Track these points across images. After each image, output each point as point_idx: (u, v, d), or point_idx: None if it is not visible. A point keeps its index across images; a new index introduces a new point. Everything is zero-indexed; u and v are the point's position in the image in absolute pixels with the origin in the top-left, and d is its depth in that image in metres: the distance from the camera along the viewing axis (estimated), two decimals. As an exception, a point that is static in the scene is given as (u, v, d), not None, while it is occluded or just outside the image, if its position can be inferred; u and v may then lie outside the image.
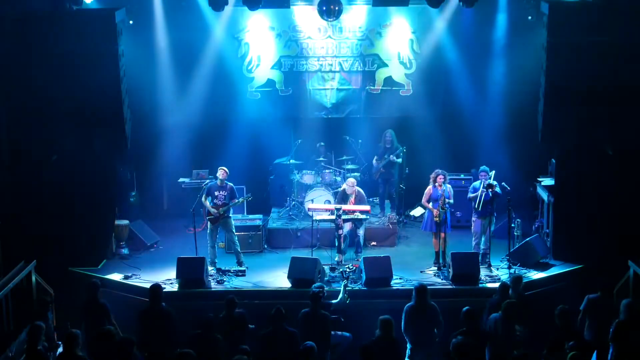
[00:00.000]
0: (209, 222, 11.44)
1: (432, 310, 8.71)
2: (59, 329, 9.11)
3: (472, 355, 7.21)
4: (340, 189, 11.98)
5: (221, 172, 11.39)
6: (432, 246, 11.47)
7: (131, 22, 12.77)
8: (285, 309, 8.24)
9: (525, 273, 10.98)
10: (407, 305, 8.72)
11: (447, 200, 11.09)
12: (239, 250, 11.55)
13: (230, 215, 11.54)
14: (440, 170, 11.28)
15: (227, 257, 11.84)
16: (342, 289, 9.62)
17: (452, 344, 7.24)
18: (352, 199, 11.66)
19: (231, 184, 11.48)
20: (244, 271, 11.24)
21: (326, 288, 9.51)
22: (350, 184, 11.72)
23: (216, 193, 11.36)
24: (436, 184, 11.17)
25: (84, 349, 8.08)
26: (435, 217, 11.10)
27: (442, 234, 11.13)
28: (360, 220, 11.54)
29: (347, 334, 9.16)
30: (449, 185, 11.39)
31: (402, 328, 8.58)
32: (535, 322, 8.75)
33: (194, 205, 11.53)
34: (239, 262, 11.45)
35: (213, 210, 11.28)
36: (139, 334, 8.48)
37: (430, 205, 11.22)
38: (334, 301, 9.28)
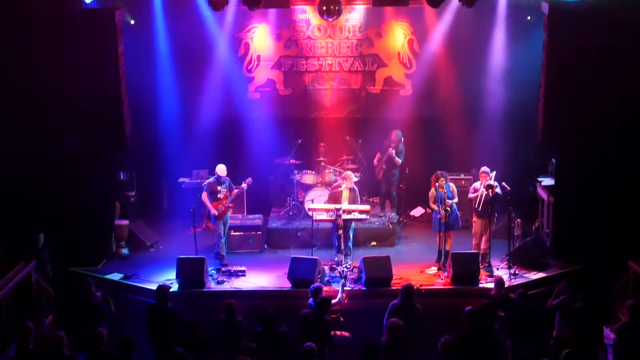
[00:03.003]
0: (215, 216, 11.58)
1: (416, 312, 8.67)
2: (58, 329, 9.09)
3: (460, 355, 7.23)
4: (337, 189, 11.81)
5: (223, 169, 11.61)
6: (433, 246, 11.49)
7: (132, 22, 12.78)
8: (285, 309, 8.24)
9: (525, 273, 10.99)
10: (392, 302, 8.71)
11: (451, 200, 11.10)
12: (224, 245, 11.71)
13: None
14: (439, 172, 11.27)
15: (228, 257, 11.88)
16: (340, 288, 9.63)
17: (441, 342, 7.27)
18: (347, 194, 11.52)
19: (227, 177, 11.71)
20: (244, 271, 11.23)
21: (325, 288, 9.51)
22: (349, 178, 11.60)
23: (219, 188, 11.53)
24: (437, 185, 11.17)
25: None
26: (441, 218, 11.10)
27: (450, 234, 11.19)
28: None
29: (347, 334, 9.16)
30: (451, 184, 11.40)
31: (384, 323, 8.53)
32: (535, 322, 8.75)
33: (194, 205, 11.56)
34: (222, 261, 11.62)
35: (220, 207, 11.50)
36: (148, 329, 8.59)
37: (435, 206, 11.23)
38: (333, 301, 9.27)
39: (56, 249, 11.00)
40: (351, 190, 11.58)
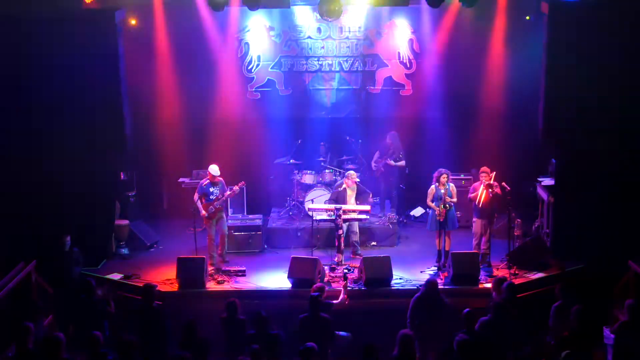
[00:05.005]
0: (205, 217, 11.52)
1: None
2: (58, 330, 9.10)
3: (475, 355, 7.23)
4: (340, 189, 11.88)
5: (216, 169, 11.48)
6: (433, 246, 11.46)
7: (133, 22, 12.79)
8: (285, 309, 8.22)
9: (525, 273, 10.99)
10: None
11: (449, 199, 11.10)
12: (225, 249, 11.68)
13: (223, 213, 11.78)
14: (443, 169, 11.27)
15: (228, 257, 11.87)
16: (342, 289, 9.62)
17: (456, 341, 7.26)
18: (351, 192, 11.67)
19: (221, 178, 11.60)
20: (244, 271, 11.22)
21: (326, 288, 9.51)
22: (352, 177, 11.75)
23: (211, 189, 11.46)
24: (439, 183, 11.18)
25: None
26: (438, 216, 11.10)
27: (448, 233, 11.19)
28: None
29: (347, 334, 9.15)
30: (452, 184, 11.40)
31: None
32: (535, 322, 8.75)
33: (194, 205, 11.57)
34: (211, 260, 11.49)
35: (210, 208, 11.38)
36: (137, 332, 8.54)
37: (433, 204, 11.23)
38: (334, 302, 9.27)
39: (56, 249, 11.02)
40: (358, 188, 11.83)
